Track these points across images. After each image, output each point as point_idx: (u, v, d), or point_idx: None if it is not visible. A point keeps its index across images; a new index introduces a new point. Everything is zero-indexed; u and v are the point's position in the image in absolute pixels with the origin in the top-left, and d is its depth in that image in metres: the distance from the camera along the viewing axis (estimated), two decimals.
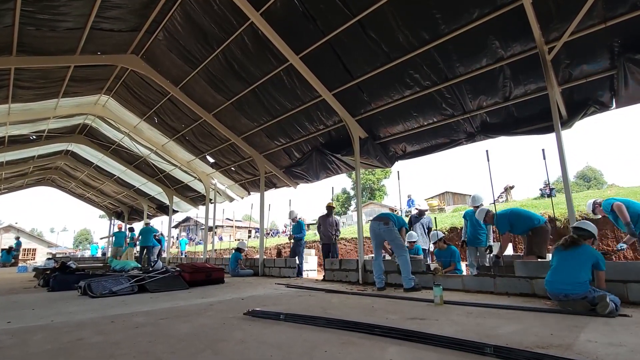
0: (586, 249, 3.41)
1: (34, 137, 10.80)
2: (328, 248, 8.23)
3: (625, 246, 5.21)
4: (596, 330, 2.55)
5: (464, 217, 6.75)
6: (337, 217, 8.60)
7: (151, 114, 9.29)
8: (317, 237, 16.34)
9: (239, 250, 9.41)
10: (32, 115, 8.65)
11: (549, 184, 11.18)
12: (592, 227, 3.70)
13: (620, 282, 3.60)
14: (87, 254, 31.63)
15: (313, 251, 11.39)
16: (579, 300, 3.17)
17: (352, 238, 14.41)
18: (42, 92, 7.63)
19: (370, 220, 5.63)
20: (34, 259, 32.49)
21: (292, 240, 8.86)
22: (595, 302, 3.10)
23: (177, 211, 15.40)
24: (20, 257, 19.43)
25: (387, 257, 5.98)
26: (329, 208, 8.51)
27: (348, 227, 19.50)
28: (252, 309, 3.40)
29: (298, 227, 8.85)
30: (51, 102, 8.24)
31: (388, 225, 5.22)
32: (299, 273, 8.38)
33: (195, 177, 12.09)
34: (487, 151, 5.91)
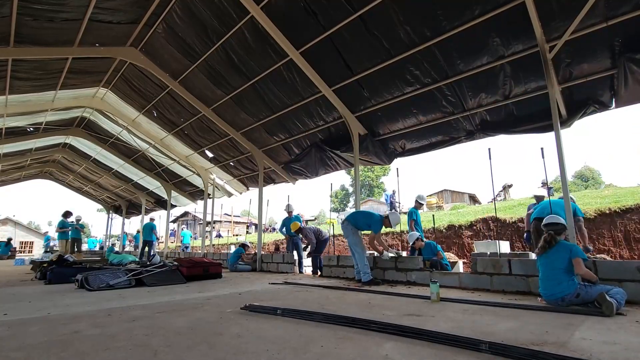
0: (560, 244, 3.53)
1: (32, 129, 10.74)
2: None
3: None
4: (591, 328, 2.56)
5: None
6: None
7: (150, 108, 9.25)
8: None
9: (243, 246, 9.46)
10: (29, 107, 8.60)
11: (546, 182, 11.18)
12: (562, 219, 3.83)
13: (616, 281, 3.62)
14: (84, 247, 31.54)
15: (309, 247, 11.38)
16: (574, 298, 3.24)
17: None
18: (40, 84, 7.57)
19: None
20: (31, 252, 32.44)
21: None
22: (589, 299, 3.18)
23: (176, 206, 15.40)
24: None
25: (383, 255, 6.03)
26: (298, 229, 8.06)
27: None
28: (249, 304, 3.41)
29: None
30: (49, 94, 8.19)
31: (343, 224, 5.91)
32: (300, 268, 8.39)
33: (194, 172, 12.06)
34: (489, 149, 5.90)
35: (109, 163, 14.47)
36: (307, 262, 9.27)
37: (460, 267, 7.84)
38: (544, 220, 3.80)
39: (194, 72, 7.27)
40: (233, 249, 12.15)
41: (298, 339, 2.32)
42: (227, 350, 2.08)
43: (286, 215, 9.14)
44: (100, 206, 22.16)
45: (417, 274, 5.45)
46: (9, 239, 17.98)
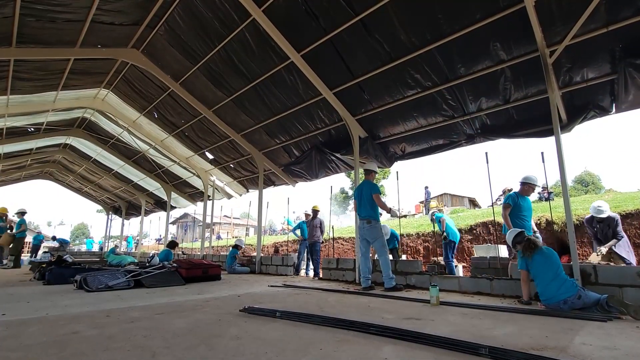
0: (547, 249, 3.69)
1: (32, 129, 10.75)
2: (313, 247, 8.42)
3: None
4: (591, 333, 2.55)
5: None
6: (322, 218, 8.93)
7: (151, 109, 9.26)
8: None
9: (236, 247, 9.43)
10: (30, 108, 8.61)
11: (547, 187, 11.21)
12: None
13: (616, 287, 3.62)
14: (83, 248, 31.54)
15: None
16: (576, 300, 3.29)
17: (350, 237, 14.42)
18: (42, 84, 7.59)
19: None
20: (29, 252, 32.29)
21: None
22: (588, 302, 3.25)
23: (175, 207, 15.38)
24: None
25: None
26: (315, 211, 8.78)
27: (346, 227, 19.52)
28: (248, 306, 3.40)
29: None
30: (50, 94, 8.21)
31: (370, 224, 5.34)
32: (297, 271, 8.45)
33: (194, 174, 12.06)
34: (486, 153, 5.92)
35: (109, 164, 14.48)
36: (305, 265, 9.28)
37: (460, 271, 7.83)
38: (513, 233, 4.06)
39: (195, 73, 7.29)
40: None
41: (297, 342, 2.31)
42: (226, 352, 2.07)
43: (288, 216, 9.23)
44: (100, 207, 22.13)
45: (417, 277, 5.44)
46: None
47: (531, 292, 3.88)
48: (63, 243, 17.15)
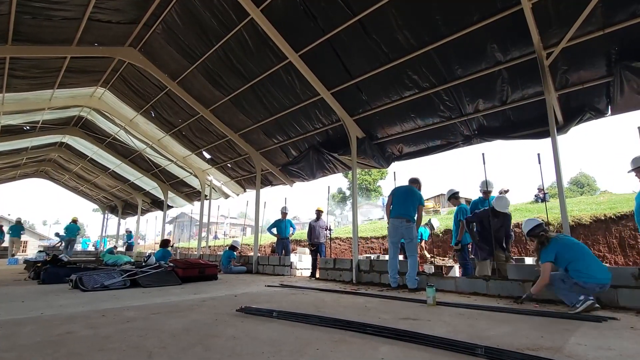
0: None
1: (28, 127, 10.67)
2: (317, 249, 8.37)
3: None
4: (586, 333, 2.57)
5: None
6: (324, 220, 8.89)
7: (148, 108, 9.23)
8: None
9: (232, 248, 9.37)
10: (26, 106, 8.56)
11: (543, 188, 11.27)
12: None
13: (611, 287, 3.64)
14: (79, 247, 31.30)
15: (307, 250, 11.37)
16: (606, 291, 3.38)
17: (347, 237, 14.42)
18: (38, 82, 7.55)
19: (391, 217, 5.45)
20: (25, 252, 32.08)
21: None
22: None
23: (172, 206, 15.34)
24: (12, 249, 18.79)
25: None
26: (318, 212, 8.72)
27: (343, 227, 19.53)
28: (245, 306, 3.39)
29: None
30: (46, 92, 8.16)
31: (409, 224, 5.29)
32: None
33: (191, 173, 12.03)
34: (483, 154, 5.92)
35: (105, 163, 14.41)
36: (302, 265, 9.26)
37: (457, 271, 7.85)
38: (529, 224, 3.94)
39: (192, 73, 7.27)
40: None
41: (294, 342, 2.31)
42: (223, 352, 2.07)
43: (279, 216, 9.12)
44: (96, 206, 22.02)
45: None
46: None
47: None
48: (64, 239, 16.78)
